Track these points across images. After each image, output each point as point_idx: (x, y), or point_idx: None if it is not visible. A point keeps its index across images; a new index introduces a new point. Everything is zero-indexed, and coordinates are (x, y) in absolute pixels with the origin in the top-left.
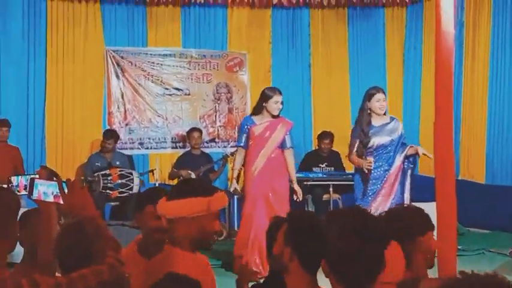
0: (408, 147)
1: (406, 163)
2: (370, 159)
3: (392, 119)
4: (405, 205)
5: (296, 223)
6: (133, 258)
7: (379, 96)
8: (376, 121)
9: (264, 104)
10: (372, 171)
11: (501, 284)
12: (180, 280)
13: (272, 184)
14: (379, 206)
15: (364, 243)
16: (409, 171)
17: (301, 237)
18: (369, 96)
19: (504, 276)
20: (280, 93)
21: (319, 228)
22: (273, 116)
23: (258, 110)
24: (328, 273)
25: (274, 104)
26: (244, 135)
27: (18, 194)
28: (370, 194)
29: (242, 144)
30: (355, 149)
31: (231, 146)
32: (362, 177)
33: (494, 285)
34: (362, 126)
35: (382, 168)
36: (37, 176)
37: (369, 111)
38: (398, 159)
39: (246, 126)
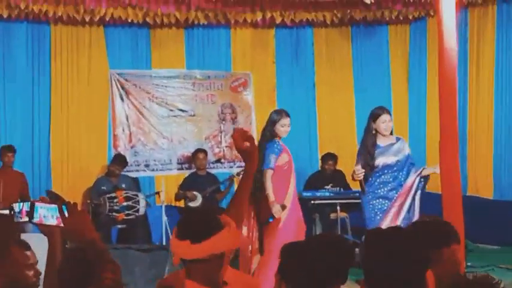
0: (422, 168)
1: (420, 183)
2: (358, 166)
3: (398, 139)
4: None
5: (285, 258)
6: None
7: (384, 117)
8: (381, 141)
9: (273, 128)
10: (378, 191)
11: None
12: None
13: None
14: (389, 225)
15: (407, 266)
16: (419, 192)
17: (291, 271)
18: (374, 116)
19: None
20: (288, 115)
21: (308, 257)
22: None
23: (270, 134)
24: None
25: (281, 127)
26: (276, 157)
27: (21, 220)
28: (378, 213)
29: (273, 167)
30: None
31: (237, 167)
32: (368, 198)
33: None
34: (368, 148)
35: (389, 187)
36: (38, 200)
37: (374, 132)
38: (411, 180)
39: (278, 149)
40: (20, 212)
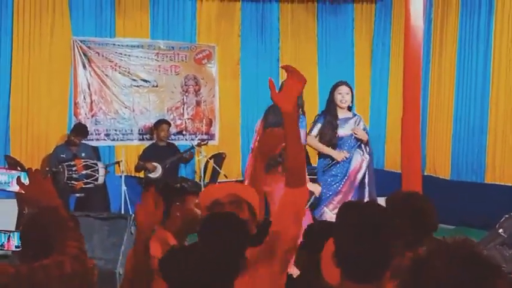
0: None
1: (364, 153)
2: (346, 152)
3: (355, 115)
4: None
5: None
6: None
7: (341, 88)
8: (340, 114)
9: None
10: (332, 169)
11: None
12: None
13: None
14: (340, 202)
15: (378, 240)
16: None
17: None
18: (333, 87)
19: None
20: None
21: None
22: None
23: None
24: (337, 266)
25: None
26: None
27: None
28: (330, 192)
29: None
30: (316, 133)
31: (198, 139)
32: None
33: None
34: (332, 118)
35: (342, 165)
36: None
37: (334, 103)
38: (357, 156)
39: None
40: None
